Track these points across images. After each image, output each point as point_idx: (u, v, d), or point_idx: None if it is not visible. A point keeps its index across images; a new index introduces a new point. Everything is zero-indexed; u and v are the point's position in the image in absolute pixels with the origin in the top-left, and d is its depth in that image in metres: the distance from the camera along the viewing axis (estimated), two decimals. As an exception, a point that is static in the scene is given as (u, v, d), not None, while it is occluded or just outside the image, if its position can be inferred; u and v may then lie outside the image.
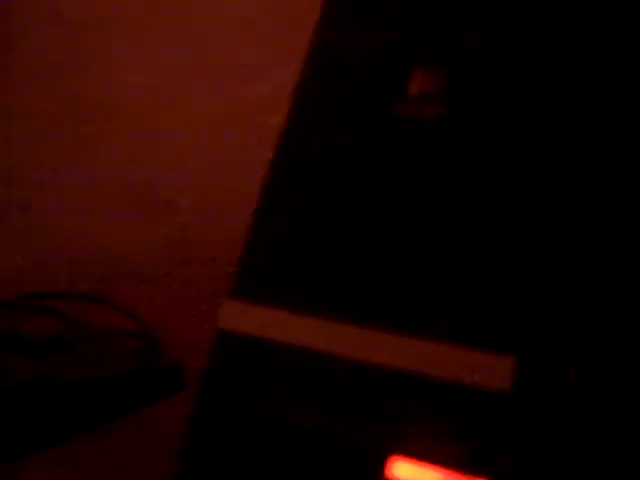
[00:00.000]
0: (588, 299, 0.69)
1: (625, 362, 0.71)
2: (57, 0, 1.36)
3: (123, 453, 0.82)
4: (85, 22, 1.34)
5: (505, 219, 0.60)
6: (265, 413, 0.60)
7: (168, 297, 1.12)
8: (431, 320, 0.58)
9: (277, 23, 1.26)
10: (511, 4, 0.64)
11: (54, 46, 1.34)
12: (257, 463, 0.60)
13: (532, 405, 0.61)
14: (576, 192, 0.61)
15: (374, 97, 0.66)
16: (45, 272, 1.22)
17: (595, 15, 0.64)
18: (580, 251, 0.66)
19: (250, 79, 1.26)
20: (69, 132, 1.32)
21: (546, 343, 0.61)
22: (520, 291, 0.58)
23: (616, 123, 0.63)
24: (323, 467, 0.58)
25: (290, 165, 0.67)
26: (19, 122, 1.35)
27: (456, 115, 0.63)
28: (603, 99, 0.63)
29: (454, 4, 0.65)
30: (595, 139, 0.62)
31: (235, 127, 1.23)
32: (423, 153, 0.63)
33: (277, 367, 0.61)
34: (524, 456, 0.63)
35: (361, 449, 0.58)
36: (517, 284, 0.58)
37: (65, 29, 1.33)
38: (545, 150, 0.61)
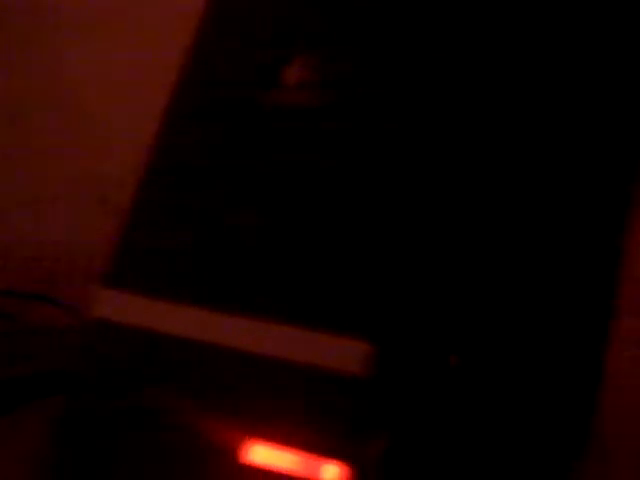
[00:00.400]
0: (455, 288, 0.71)
1: (501, 351, 0.74)
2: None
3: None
4: (30, 13, 1.35)
5: (362, 205, 0.62)
6: (132, 399, 0.62)
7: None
8: (287, 305, 0.60)
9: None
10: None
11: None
12: (126, 450, 0.62)
13: (389, 390, 0.63)
14: (429, 181, 0.63)
15: (250, 86, 0.68)
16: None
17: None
18: (444, 237, 0.68)
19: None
20: (19, 126, 1.34)
21: (403, 328, 0.63)
22: (378, 277, 0.60)
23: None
24: (183, 454, 0.60)
25: (165, 157, 0.69)
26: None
27: (329, 103, 0.66)
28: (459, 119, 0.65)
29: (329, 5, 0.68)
30: (447, 137, 0.65)
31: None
32: (292, 141, 0.66)
33: (144, 354, 0.63)
34: (379, 440, 0.65)
35: (218, 434, 0.60)
36: (375, 270, 0.60)
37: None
38: (404, 138, 0.63)
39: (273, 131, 0.66)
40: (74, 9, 1.34)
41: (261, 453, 0.58)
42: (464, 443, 0.74)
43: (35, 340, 1.07)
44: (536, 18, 0.69)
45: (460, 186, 0.67)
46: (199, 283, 0.63)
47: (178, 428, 0.61)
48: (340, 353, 0.58)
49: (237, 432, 0.59)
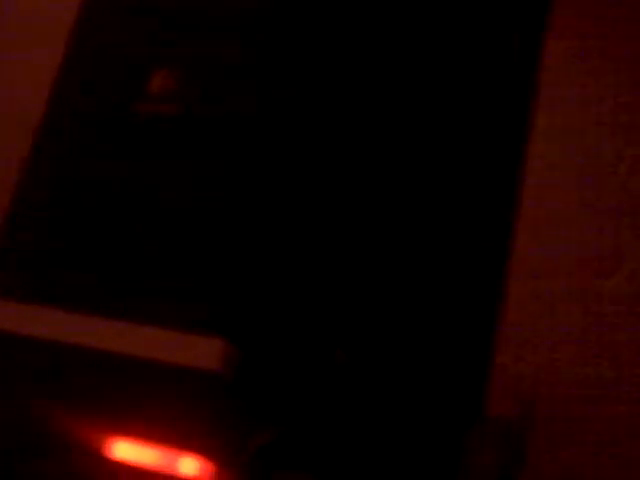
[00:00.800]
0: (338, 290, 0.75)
1: (385, 346, 0.77)
2: None
3: None
4: None
5: (216, 202, 0.66)
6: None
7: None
8: (145, 306, 0.64)
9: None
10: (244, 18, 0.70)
11: None
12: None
13: (253, 386, 0.67)
14: (293, 175, 0.67)
15: (118, 97, 0.72)
16: None
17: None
18: (319, 229, 0.72)
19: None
20: None
21: (265, 326, 0.67)
22: (231, 278, 0.64)
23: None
24: (53, 453, 0.64)
25: (38, 169, 0.72)
26: None
27: (190, 112, 0.69)
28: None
29: (192, 16, 0.71)
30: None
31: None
32: (159, 145, 0.69)
33: (10, 358, 0.66)
34: (257, 436, 0.70)
35: (82, 433, 0.63)
36: (233, 271, 0.64)
37: None
38: (255, 142, 0.67)
39: (139, 138, 0.70)
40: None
41: (123, 449, 0.62)
42: (353, 435, 0.78)
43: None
44: None
45: (321, 175, 0.70)
46: (57, 286, 0.67)
47: (42, 428, 0.64)
48: (197, 351, 0.62)
49: (100, 430, 0.63)
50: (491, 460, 0.88)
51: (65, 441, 0.64)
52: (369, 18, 0.71)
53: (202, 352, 0.62)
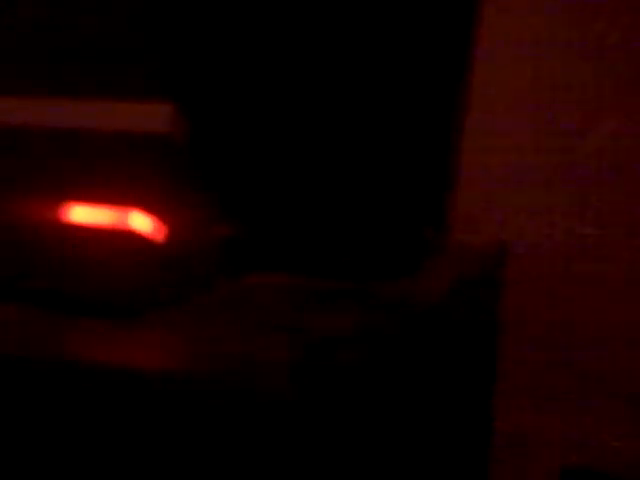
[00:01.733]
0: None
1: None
2: None
3: None
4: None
5: None
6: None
7: None
8: (91, 79, 0.67)
9: None
10: None
11: None
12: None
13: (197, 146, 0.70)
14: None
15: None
16: None
17: None
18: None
19: None
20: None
21: (213, 92, 0.70)
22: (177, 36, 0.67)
23: None
24: (10, 221, 0.67)
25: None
26: None
27: None
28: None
29: None
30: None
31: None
32: None
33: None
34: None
35: (40, 197, 0.66)
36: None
37: None
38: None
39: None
40: None
41: (78, 212, 0.65)
42: (302, 228, 0.80)
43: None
44: None
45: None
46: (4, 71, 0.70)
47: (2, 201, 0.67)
48: (144, 117, 0.65)
49: (55, 198, 0.66)
50: (450, 275, 0.90)
51: (23, 210, 0.67)
52: None
53: (150, 116, 0.65)
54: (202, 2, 0.69)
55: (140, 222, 0.64)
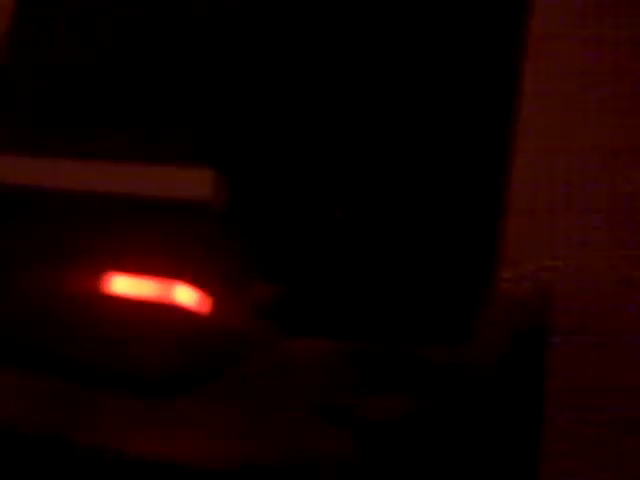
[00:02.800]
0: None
1: (384, 204, 0.77)
2: None
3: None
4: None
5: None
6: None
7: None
8: (132, 144, 0.64)
9: None
10: None
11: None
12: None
13: (247, 218, 0.67)
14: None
15: None
16: None
17: None
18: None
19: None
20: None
21: (256, 158, 0.67)
22: (221, 104, 0.64)
23: None
24: (51, 291, 0.64)
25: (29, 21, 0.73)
26: None
27: None
28: None
29: None
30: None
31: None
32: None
33: (2, 207, 0.67)
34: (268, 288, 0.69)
35: (80, 269, 0.64)
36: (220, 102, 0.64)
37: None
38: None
39: None
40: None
41: (120, 283, 0.63)
42: (351, 292, 0.78)
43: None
44: None
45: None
46: (40, 133, 0.67)
47: (42, 270, 0.65)
48: (185, 183, 0.62)
49: (96, 268, 0.63)
50: (501, 333, 0.87)
51: (63, 280, 0.64)
52: None
53: (191, 183, 0.62)
54: (244, 72, 0.66)
55: (185, 295, 0.61)
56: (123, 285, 0.62)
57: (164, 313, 0.61)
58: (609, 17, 1.10)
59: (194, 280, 0.61)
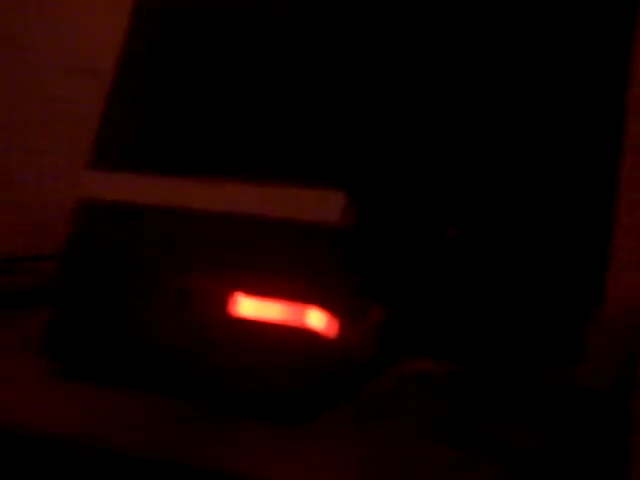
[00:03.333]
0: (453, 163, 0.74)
1: (497, 223, 0.76)
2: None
3: None
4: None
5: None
6: (124, 268, 0.65)
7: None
8: (262, 165, 0.64)
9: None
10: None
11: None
12: (119, 320, 0.65)
13: (370, 240, 0.66)
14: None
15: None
16: (29, 235, 1.28)
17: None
18: (440, 99, 0.71)
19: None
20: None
21: (376, 179, 0.66)
22: (350, 133, 0.63)
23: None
24: (179, 312, 0.64)
25: (134, 50, 0.73)
26: None
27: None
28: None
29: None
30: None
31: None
32: (248, 20, 0.69)
33: (135, 227, 0.66)
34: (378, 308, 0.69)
35: (207, 290, 0.63)
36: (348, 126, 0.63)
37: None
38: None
39: (227, 16, 0.70)
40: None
41: (248, 306, 0.62)
42: (463, 313, 0.77)
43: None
44: None
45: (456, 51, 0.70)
46: (174, 154, 0.67)
47: (170, 291, 0.64)
48: (315, 204, 0.61)
49: (225, 288, 0.62)
50: (608, 353, 0.85)
51: (192, 301, 0.64)
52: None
53: (322, 205, 0.61)
54: (377, 99, 0.66)
55: (316, 318, 0.60)
56: (252, 307, 0.62)
57: (296, 336, 0.60)
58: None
59: (323, 303, 0.60)
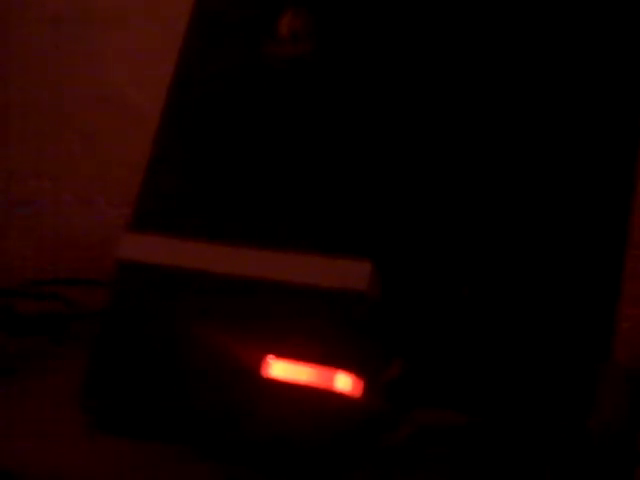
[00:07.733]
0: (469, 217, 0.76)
1: (512, 282, 0.78)
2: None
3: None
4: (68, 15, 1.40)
5: (360, 132, 0.68)
6: (164, 327, 0.68)
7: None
8: (293, 234, 0.67)
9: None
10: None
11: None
12: (159, 376, 0.68)
13: (396, 306, 0.69)
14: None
15: (248, 41, 0.75)
16: (46, 259, 1.29)
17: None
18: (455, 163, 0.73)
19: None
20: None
21: (406, 248, 0.69)
22: (376, 204, 0.66)
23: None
24: (212, 373, 0.67)
25: (177, 113, 0.76)
26: (16, 119, 1.42)
27: (322, 52, 0.72)
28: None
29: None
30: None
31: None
32: (292, 88, 0.72)
33: (173, 289, 0.70)
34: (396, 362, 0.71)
35: (240, 353, 0.66)
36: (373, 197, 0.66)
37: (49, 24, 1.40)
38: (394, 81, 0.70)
39: (272, 81, 0.73)
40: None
41: (280, 368, 0.65)
42: (476, 369, 0.79)
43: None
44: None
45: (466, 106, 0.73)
46: (211, 220, 0.70)
47: (204, 352, 0.67)
48: (343, 273, 0.64)
49: (257, 351, 0.65)
50: (616, 406, 0.88)
51: (224, 362, 0.67)
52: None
53: (351, 274, 0.65)
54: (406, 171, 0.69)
55: (343, 382, 0.63)
56: (283, 370, 0.65)
57: (325, 399, 0.63)
58: None
59: (351, 366, 0.63)
